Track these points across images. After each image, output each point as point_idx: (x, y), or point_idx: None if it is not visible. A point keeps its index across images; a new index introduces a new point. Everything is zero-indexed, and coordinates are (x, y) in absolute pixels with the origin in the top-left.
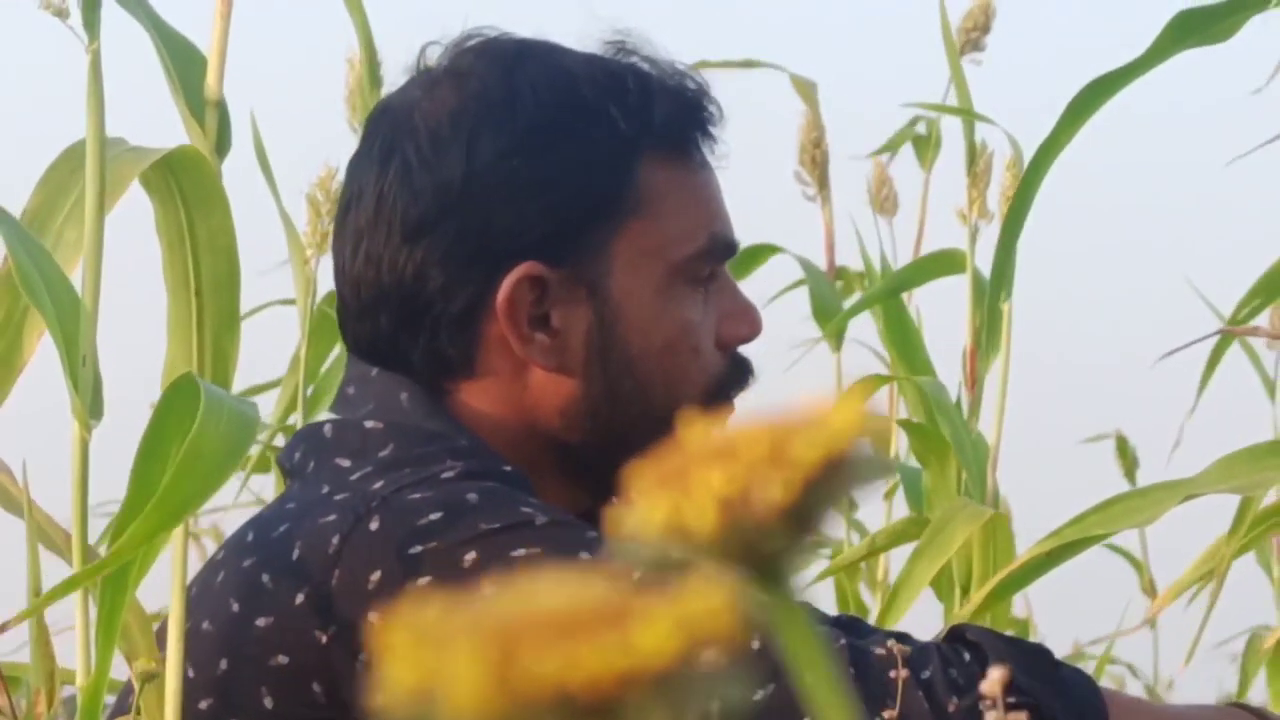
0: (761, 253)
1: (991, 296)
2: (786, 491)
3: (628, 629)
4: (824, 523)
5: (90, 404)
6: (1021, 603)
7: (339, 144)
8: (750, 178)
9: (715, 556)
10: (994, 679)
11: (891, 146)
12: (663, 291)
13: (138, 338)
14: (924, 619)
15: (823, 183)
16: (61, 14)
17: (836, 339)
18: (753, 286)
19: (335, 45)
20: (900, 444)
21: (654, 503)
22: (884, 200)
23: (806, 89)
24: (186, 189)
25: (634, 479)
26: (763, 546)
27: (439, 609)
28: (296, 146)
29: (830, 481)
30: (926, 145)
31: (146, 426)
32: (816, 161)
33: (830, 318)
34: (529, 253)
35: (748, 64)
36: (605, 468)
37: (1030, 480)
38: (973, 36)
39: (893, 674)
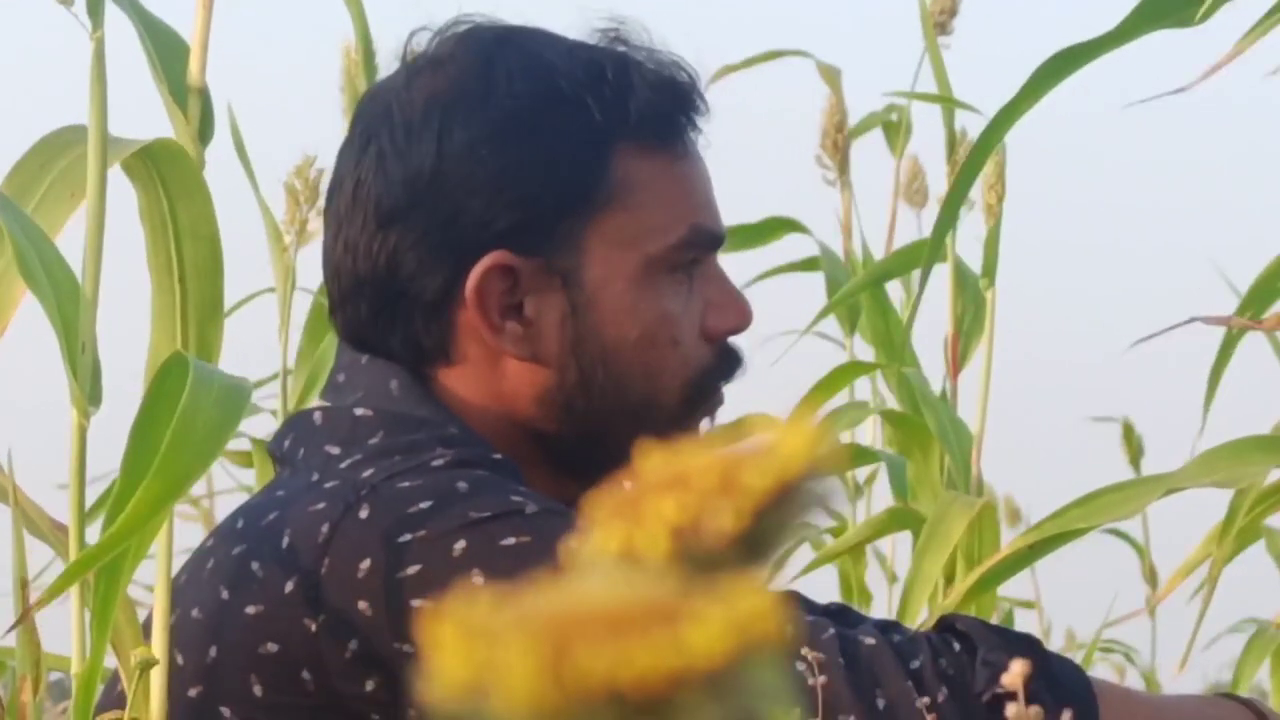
0: (778, 227)
1: (931, 257)
2: (737, 519)
3: (679, 628)
4: (776, 548)
5: (89, 391)
6: (1030, 587)
7: (333, 134)
8: (757, 165)
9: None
10: (1015, 672)
11: (859, 132)
12: (639, 282)
13: (122, 324)
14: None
15: (843, 167)
16: (66, 1)
17: (850, 324)
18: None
19: (334, 35)
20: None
21: (608, 532)
22: (914, 192)
23: (831, 75)
24: (168, 177)
25: (589, 509)
26: (715, 573)
27: (489, 603)
28: (297, 138)
29: (781, 508)
30: (897, 132)
31: (139, 410)
32: (838, 146)
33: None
34: (500, 242)
35: (770, 55)
36: (587, 458)
37: (1044, 469)
38: (940, 20)
39: (812, 682)
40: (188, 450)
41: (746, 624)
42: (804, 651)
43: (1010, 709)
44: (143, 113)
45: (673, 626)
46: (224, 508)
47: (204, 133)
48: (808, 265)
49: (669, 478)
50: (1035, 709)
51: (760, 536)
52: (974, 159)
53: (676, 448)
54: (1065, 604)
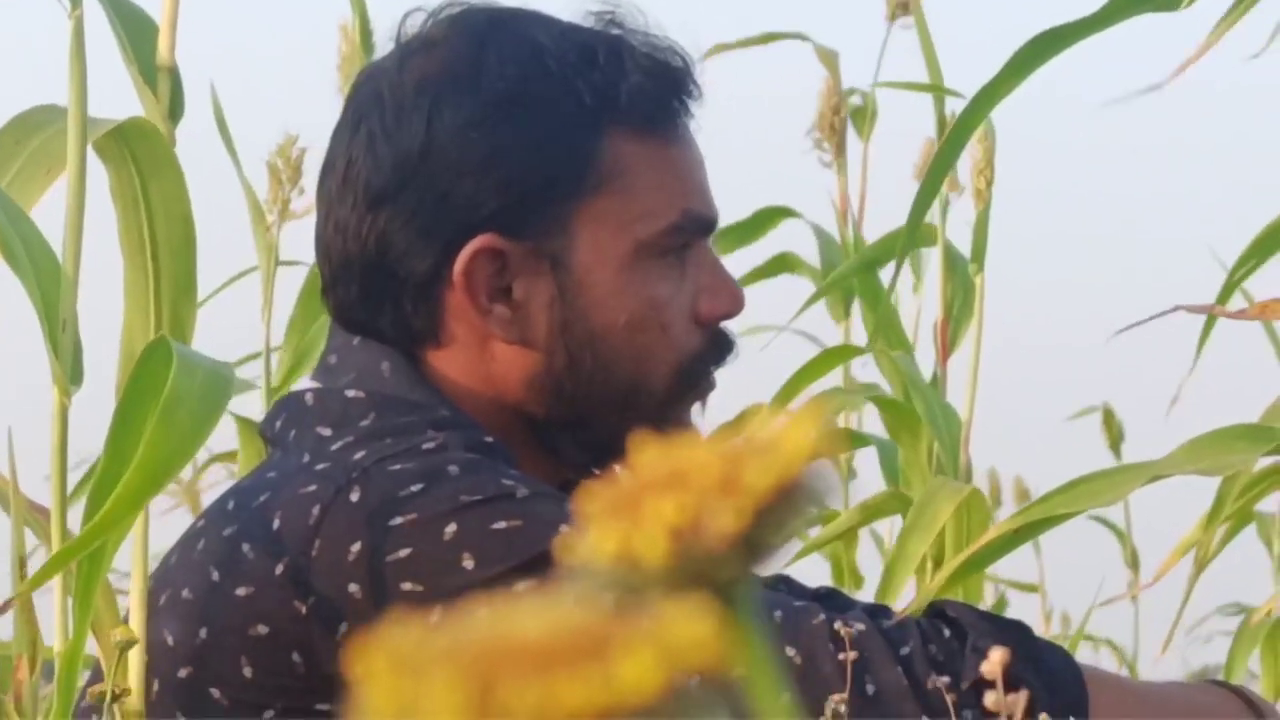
0: (772, 216)
1: (909, 240)
2: (738, 519)
3: (609, 660)
4: (778, 547)
5: (70, 370)
6: (1035, 569)
7: (328, 115)
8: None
9: (668, 584)
10: (994, 660)
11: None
12: (629, 267)
13: (93, 303)
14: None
15: (840, 150)
16: None
17: (843, 307)
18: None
19: (330, 15)
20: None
21: (605, 532)
22: None
23: (829, 57)
24: (140, 156)
25: (585, 505)
26: (715, 574)
27: (418, 634)
28: (291, 118)
29: (782, 507)
30: (863, 117)
31: (121, 395)
32: (835, 129)
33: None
34: (489, 224)
35: (767, 38)
36: (577, 441)
37: (1036, 453)
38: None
39: (841, 656)
40: (170, 440)
41: (679, 655)
42: (837, 637)
43: (989, 697)
44: (116, 93)
45: (602, 659)
46: (211, 492)
47: (174, 111)
48: (774, 268)
49: (667, 475)
50: (1014, 696)
51: (760, 536)
52: (953, 141)
53: (673, 442)
54: (1063, 588)
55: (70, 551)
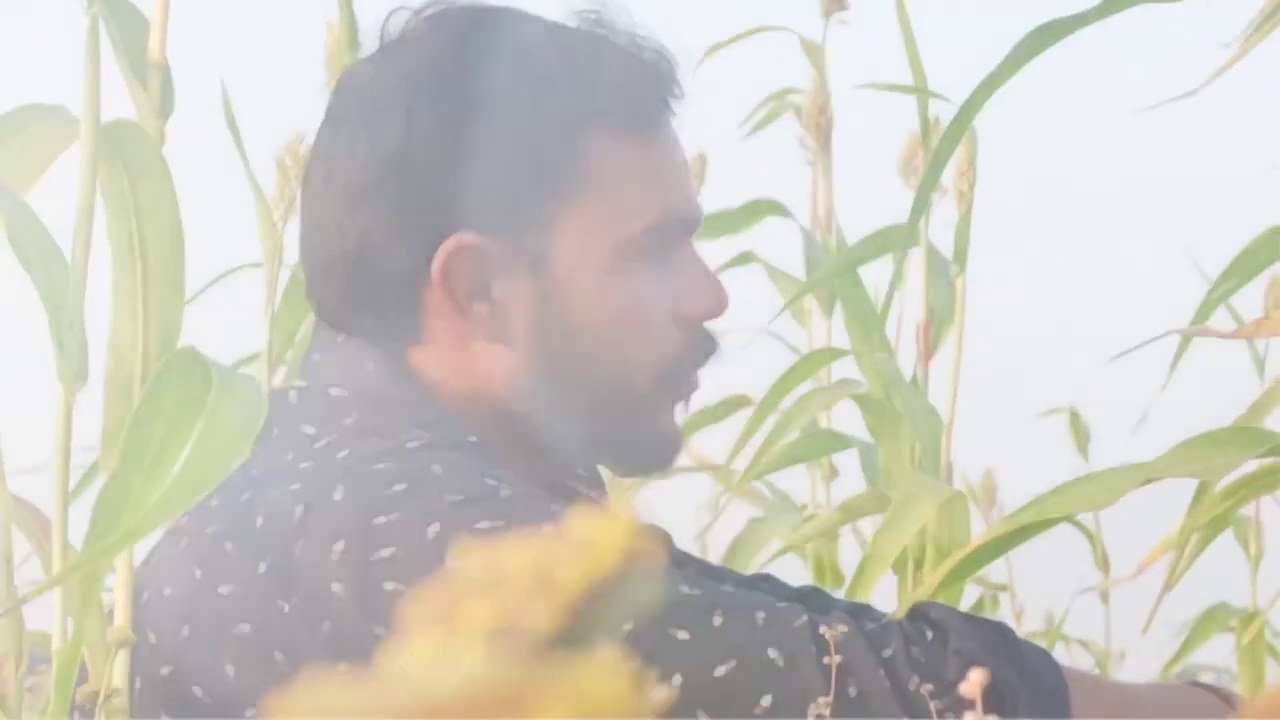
0: (760, 210)
1: (905, 242)
2: (552, 619)
3: (526, 714)
4: (595, 642)
5: (76, 367)
6: (1004, 569)
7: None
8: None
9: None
10: (973, 681)
11: (770, 118)
12: (610, 266)
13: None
14: (878, 591)
15: (824, 147)
16: None
17: (827, 307)
18: None
19: (319, 9)
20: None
21: (422, 638)
22: (914, 171)
23: (815, 53)
24: (128, 155)
25: (404, 613)
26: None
27: (337, 689)
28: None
29: (597, 604)
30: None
31: (141, 400)
32: (820, 127)
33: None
34: (468, 222)
35: (755, 31)
36: (559, 441)
37: (1018, 455)
38: None
39: (826, 660)
40: (207, 461)
41: (594, 709)
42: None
43: (968, 718)
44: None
45: (519, 713)
46: None
47: (164, 107)
48: (741, 260)
49: (486, 578)
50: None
51: (577, 634)
52: (951, 134)
53: (495, 547)
54: (1032, 588)
55: (78, 567)
